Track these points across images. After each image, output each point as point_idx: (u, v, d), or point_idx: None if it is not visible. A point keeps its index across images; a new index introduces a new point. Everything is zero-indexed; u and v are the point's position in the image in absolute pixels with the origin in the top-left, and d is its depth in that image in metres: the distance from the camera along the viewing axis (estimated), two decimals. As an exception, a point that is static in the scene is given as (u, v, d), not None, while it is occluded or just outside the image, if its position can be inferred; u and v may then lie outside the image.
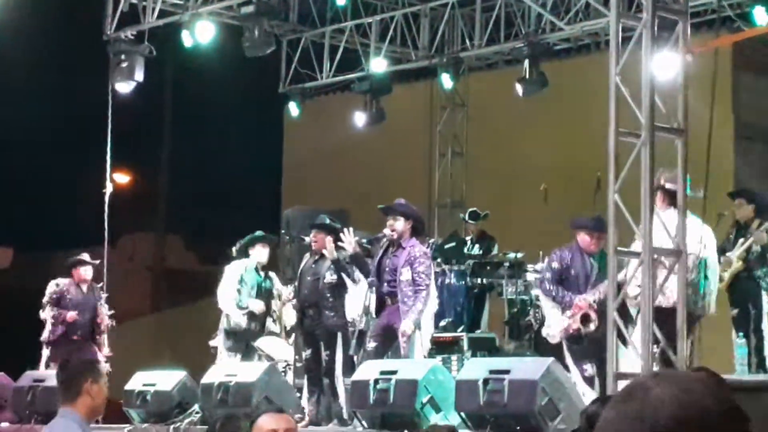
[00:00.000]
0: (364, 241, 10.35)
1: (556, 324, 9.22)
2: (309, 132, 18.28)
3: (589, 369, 8.99)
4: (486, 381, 8.40)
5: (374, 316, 9.84)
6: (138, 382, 10.95)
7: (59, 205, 20.48)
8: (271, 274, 11.85)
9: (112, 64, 13.98)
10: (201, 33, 13.97)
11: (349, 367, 10.02)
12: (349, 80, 16.18)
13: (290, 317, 11.45)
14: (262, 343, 11.41)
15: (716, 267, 9.21)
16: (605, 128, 8.21)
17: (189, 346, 16.27)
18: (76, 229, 14.72)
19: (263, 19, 13.65)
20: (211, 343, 11.82)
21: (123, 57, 13.87)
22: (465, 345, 11.56)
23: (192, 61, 16.60)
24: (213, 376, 10.30)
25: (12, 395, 11.64)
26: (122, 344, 12.93)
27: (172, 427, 10.34)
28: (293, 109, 16.60)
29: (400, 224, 9.73)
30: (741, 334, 10.49)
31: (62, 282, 12.46)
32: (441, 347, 11.41)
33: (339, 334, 10.27)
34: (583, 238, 9.29)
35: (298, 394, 10.51)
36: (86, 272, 12.50)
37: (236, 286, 11.45)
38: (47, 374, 11.64)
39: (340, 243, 10.07)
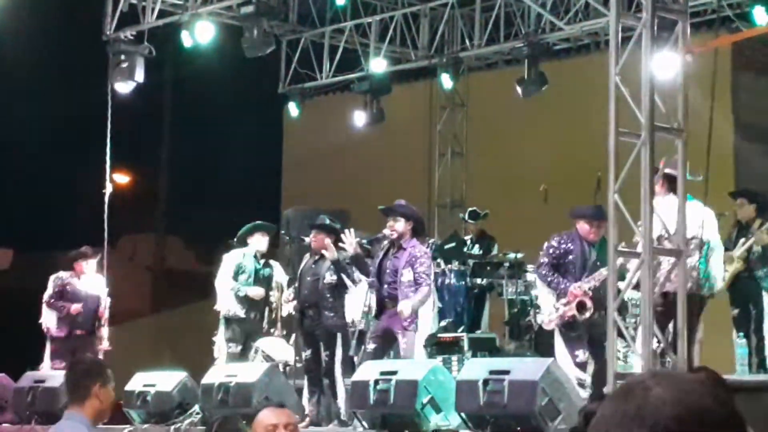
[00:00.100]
0: (364, 241, 10.35)
1: (549, 311, 9.26)
2: (309, 132, 18.28)
3: (581, 355, 9.01)
4: (486, 381, 8.40)
5: (374, 317, 9.84)
6: (138, 382, 10.95)
7: (59, 205, 20.47)
8: (274, 263, 11.84)
9: (111, 64, 13.98)
10: (201, 33, 13.97)
11: (350, 368, 10.02)
12: (348, 80, 16.19)
13: (287, 308, 11.47)
14: (262, 343, 11.40)
15: (720, 248, 9.21)
16: (605, 128, 8.22)
17: (189, 346, 16.26)
18: (76, 230, 14.70)
19: (263, 20, 13.65)
20: (215, 339, 11.82)
21: (123, 57, 13.87)
22: (465, 345, 11.55)
23: (192, 62, 16.60)
24: (213, 376, 10.30)
25: (12, 396, 11.65)
26: (122, 345, 12.94)
27: (172, 427, 10.34)
28: (293, 109, 16.61)
29: (401, 225, 9.73)
30: (741, 334, 10.50)
31: (64, 275, 12.53)
32: (441, 347, 11.41)
33: (339, 335, 10.27)
34: (583, 227, 9.30)
35: (298, 395, 10.51)
36: (88, 265, 12.58)
37: (233, 273, 11.47)
38: (48, 375, 11.65)
39: (340, 244, 10.07)
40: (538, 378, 8.21)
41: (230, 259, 11.57)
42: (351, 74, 16.04)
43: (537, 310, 11.16)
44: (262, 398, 9.61)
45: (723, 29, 13.16)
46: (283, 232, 13.64)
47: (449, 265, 12.53)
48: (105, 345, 12.51)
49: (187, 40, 14.06)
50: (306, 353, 10.44)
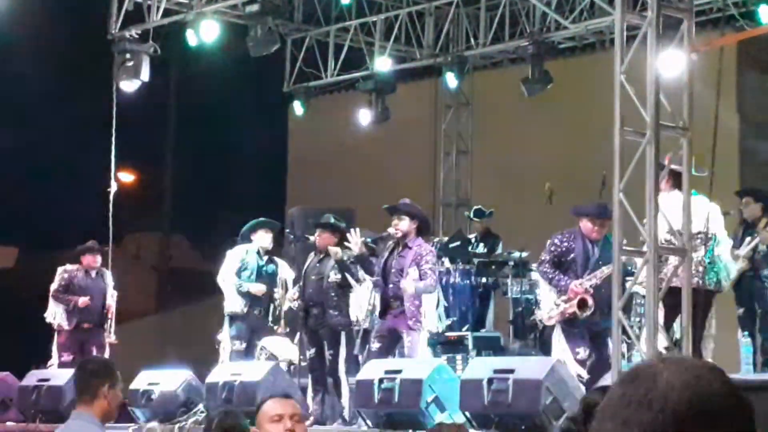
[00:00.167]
0: (369, 240, 10.34)
1: (550, 307, 9.26)
2: (313, 131, 18.27)
3: (582, 352, 9.01)
4: (490, 380, 8.39)
5: (379, 317, 9.84)
6: (143, 381, 10.95)
7: (64, 204, 20.48)
8: (279, 260, 11.82)
9: (116, 63, 13.99)
10: (206, 32, 13.97)
11: (354, 367, 10.02)
12: (353, 79, 16.18)
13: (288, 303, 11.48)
14: (267, 342, 11.41)
15: (727, 242, 9.18)
16: (610, 127, 8.21)
17: (194, 345, 16.27)
18: (81, 228, 14.72)
19: (268, 18, 13.65)
20: (219, 337, 11.82)
21: (128, 56, 13.87)
22: (470, 344, 11.56)
23: (197, 60, 16.61)
24: (218, 375, 10.31)
25: (17, 394, 11.66)
26: (127, 343, 12.95)
27: (176, 426, 10.34)
28: (298, 107, 16.60)
29: (405, 224, 9.73)
30: (746, 333, 10.48)
31: (70, 268, 12.60)
32: (446, 346, 11.41)
33: (343, 334, 10.27)
34: (586, 225, 9.28)
35: (302, 394, 10.50)
36: (94, 259, 12.65)
37: (236, 269, 11.47)
38: (52, 373, 11.67)
39: (346, 243, 10.07)
40: (542, 377, 8.20)
41: (233, 256, 11.58)
42: (356, 73, 16.04)
43: (538, 308, 11.16)
44: (266, 397, 9.62)
45: (728, 28, 13.13)
46: (287, 230, 13.63)
47: (454, 264, 12.52)
48: (112, 338, 12.59)
49: (192, 38, 14.06)
50: (310, 352, 10.44)
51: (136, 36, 14.00)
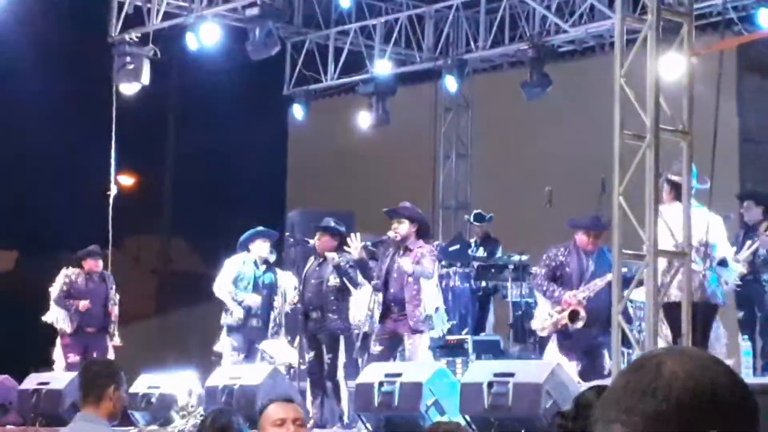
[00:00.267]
0: (369, 244, 10.35)
1: (543, 318, 9.30)
2: (314, 134, 18.27)
3: (575, 365, 9.04)
4: (490, 384, 8.39)
5: (378, 322, 9.85)
6: (143, 384, 10.95)
7: (64, 207, 20.46)
8: (278, 270, 11.80)
9: (116, 65, 14.00)
10: (206, 35, 13.98)
11: (354, 370, 10.02)
12: (353, 82, 16.19)
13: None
14: (266, 345, 11.40)
15: (729, 254, 9.16)
16: (610, 130, 8.20)
17: (194, 348, 16.27)
18: (81, 232, 14.71)
19: (268, 22, 13.66)
20: (215, 348, 11.81)
21: (128, 59, 13.88)
22: (469, 348, 11.56)
23: (197, 64, 16.59)
24: (217, 378, 10.30)
25: (17, 398, 11.65)
26: (127, 346, 12.94)
27: (176, 430, 10.33)
28: (298, 111, 16.61)
29: (405, 227, 9.73)
30: (746, 336, 10.48)
31: (71, 272, 12.58)
32: (445, 350, 11.40)
33: (342, 338, 10.27)
34: (581, 238, 9.32)
35: (301, 398, 10.50)
36: (96, 263, 12.65)
37: (233, 279, 11.46)
38: (52, 377, 11.66)
39: (345, 247, 10.08)
40: (542, 381, 8.19)
41: (230, 265, 11.57)
42: (356, 76, 16.05)
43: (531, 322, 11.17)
44: (266, 401, 9.61)
45: (728, 31, 13.14)
46: (287, 234, 13.64)
47: (453, 268, 12.52)
48: (116, 341, 12.60)
49: (192, 42, 14.07)
50: (309, 355, 10.44)
51: (136, 39, 14.01)
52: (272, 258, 11.83)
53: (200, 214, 23.64)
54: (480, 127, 16.85)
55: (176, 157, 25.07)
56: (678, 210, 8.30)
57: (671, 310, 8.18)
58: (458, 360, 11.28)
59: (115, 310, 12.65)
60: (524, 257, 12.36)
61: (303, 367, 10.76)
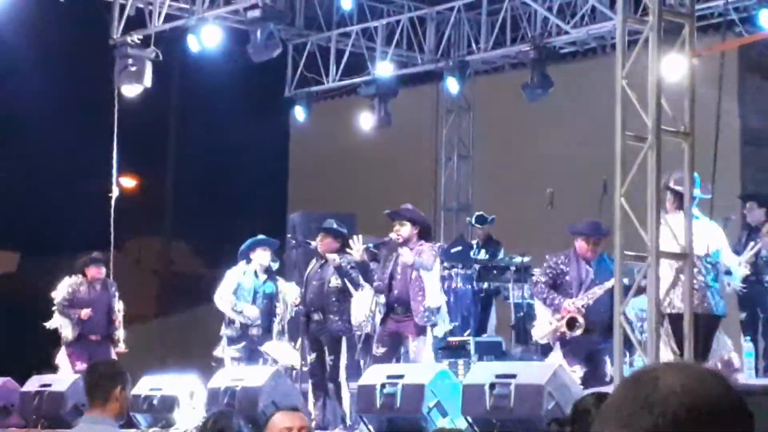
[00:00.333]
0: (370, 245, 10.36)
1: (543, 325, 9.31)
2: (315, 136, 18.28)
3: (577, 370, 9.05)
4: (492, 385, 8.39)
5: (380, 324, 9.86)
6: (145, 386, 10.95)
7: (66, 209, 20.49)
8: (279, 278, 11.80)
9: (118, 68, 14.00)
10: (207, 37, 13.99)
11: (356, 372, 10.02)
12: (355, 84, 16.20)
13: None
14: (268, 347, 11.40)
15: (732, 263, 9.14)
16: (611, 131, 8.20)
17: (196, 350, 16.27)
18: (82, 234, 14.74)
19: (269, 24, 13.66)
20: (215, 353, 11.82)
21: (130, 61, 13.89)
22: (471, 349, 11.56)
23: (198, 66, 16.61)
24: (219, 380, 10.30)
25: (18, 400, 11.65)
26: (129, 348, 12.94)
27: (178, 431, 10.34)
28: (299, 113, 16.62)
29: (407, 229, 9.74)
30: (748, 337, 10.48)
31: (74, 281, 12.56)
32: (447, 351, 11.40)
33: (344, 339, 10.28)
34: (581, 245, 9.34)
35: (303, 399, 10.50)
36: (99, 270, 12.62)
37: (233, 289, 11.47)
38: (54, 379, 11.66)
39: (347, 249, 10.09)
40: (544, 382, 8.19)
41: (231, 276, 11.57)
42: (357, 78, 16.05)
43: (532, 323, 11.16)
44: (268, 402, 9.62)
45: (729, 33, 13.15)
46: (289, 236, 13.64)
47: (455, 269, 12.53)
48: (120, 348, 12.58)
49: (193, 44, 14.08)
50: (311, 357, 10.45)
51: (138, 41, 14.02)
52: (275, 266, 11.82)
53: (201, 216, 23.67)
54: (481, 128, 16.85)
55: (178, 159, 25.09)
56: (682, 219, 8.29)
57: (677, 322, 8.15)
58: (460, 361, 11.28)
59: (119, 317, 12.63)
60: (526, 259, 12.36)
61: (305, 368, 10.77)
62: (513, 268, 12.39)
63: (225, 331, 11.55)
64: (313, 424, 10.08)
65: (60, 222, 21.01)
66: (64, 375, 11.95)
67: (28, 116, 20.48)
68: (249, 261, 11.56)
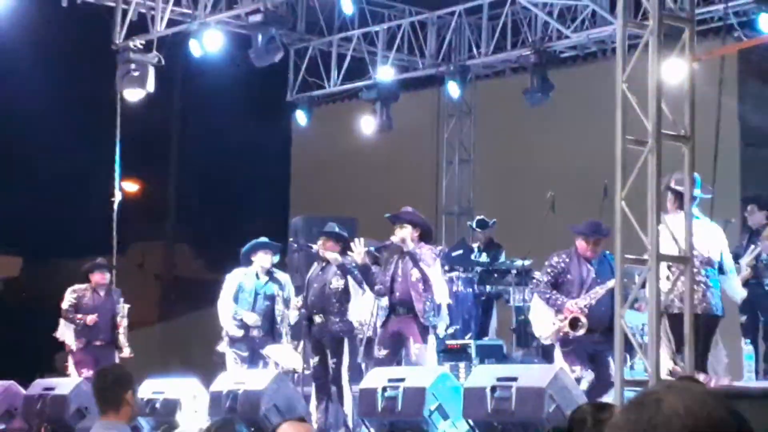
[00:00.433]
0: (372, 249, 10.39)
1: (547, 326, 9.33)
2: (317, 140, 18.32)
3: (578, 370, 9.06)
4: (494, 388, 8.42)
5: (381, 327, 9.89)
6: (147, 390, 10.97)
7: (68, 214, 20.53)
8: (280, 278, 11.79)
9: (120, 72, 14.04)
10: (209, 42, 14.03)
11: (357, 375, 10.05)
12: (356, 88, 16.24)
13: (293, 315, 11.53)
14: (270, 350, 11.43)
15: (731, 264, 9.18)
16: (612, 135, 8.23)
17: (198, 353, 16.30)
18: (85, 238, 14.78)
19: (271, 28, 13.70)
20: (218, 348, 11.86)
21: (132, 66, 13.93)
22: (473, 352, 11.59)
23: (200, 70, 16.66)
24: (222, 384, 10.33)
25: (22, 403, 11.68)
26: (131, 352, 12.97)
27: (181, 435, 10.36)
28: (301, 117, 16.66)
29: (407, 232, 9.77)
30: (748, 341, 10.51)
31: (79, 288, 12.60)
32: (449, 354, 11.43)
33: (345, 341, 10.31)
34: (581, 244, 9.36)
35: (305, 403, 10.53)
36: (103, 276, 12.65)
37: (233, 293, 11.50)
38: (57, 382, 11.68)
39: (349, 252, 10.13)
40: (545, 385, 8.22)
41: (231, 280, 11.60)
42: (359, 82, 16.09)
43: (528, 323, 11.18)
44: (270, 406, 9.65)
45: (729, 37, 13.18)
46: (291, 239, 13.67)
47: (457, 273, 12.56)
48: (126, 353, 12.61)
49: (195, 49, 14.12)
50: (313, 360, 10.48)
51: (140, 46, 14.06)
52: (275, 260, 11.83)
53: (204, 220, 23.71)
54: (482, 132, 16.88)
55: (180, 164, 25.13)
56: (682, 220, 8.32)
57: (675, 322, 8.19)
58: (461, 364, 11.31)
59: (123, 323, 12.66)
60: (527, 262, 12.39)
61: (307, 372, 10.80)
62: (514, 272, 12.42)
63: (225, 333, 11.59)
64: (316, 427, 10.11)
65: (63, 226, 21.05)
66: (67, 379, 11.97)
67: (30, 120, 20.52)
68: (250, 264, 11.60)
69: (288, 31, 15.50)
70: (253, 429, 9.49)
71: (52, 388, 11.39)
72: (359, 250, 9.90)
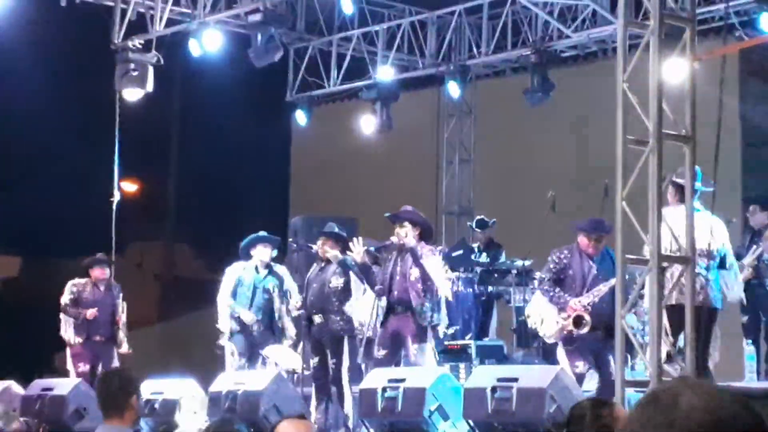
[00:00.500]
0: (372, 249, 10.36)
1: (551, 324, 9.30)
2: (316, 140, 18.30)
3: (580, 366, 9.04)
4: (494, 389, 8.40)
5: (380, 326, 9.86)
6: (146, 390, 10.93)
7: (67, 213, 20.49)
8: (280, 271, 11.77)
9: (119, 72, 14.02)
10: (208, 42, 14.01)
11: (357, 375, 10.02)
12: (356, 88, 16.21)
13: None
14: (269, 351, 11.41)
15: (732, 259, 9.15)
16: (613, 135, 8.21)
17: (197, 354, 16.27)
18: (84, 238, 14.72)
19: (270, 28, 13.68)
20: (219, 342, 11.84)
21: (132, 66, 13.91)
22: (473, 353, 11.56)
23: (199, 70, 16.63)
24: (221, 384, 10.30)
25: (21, 403, 11.65)
26: (130, 352, 12.95)
27: (180, 435, 10.34)
28: (301, 117, 16.64)
29: (408, 231, 9.75)
30: (750, 341, 10.49)
31: (79, 282, 12.62)
32: (449, 355, 11.41)
33: (345, 341, 10.29)
34: (582, 240, 9.35)
35: (305, 403, 10.50)
36: (103, 272, 12.66)
37: (232, 287, 11.48)
38: (56, 383, 11.66)
39: (348, 252, 10.10)
40: (546, 385, 8.19)
41: (230, 273, 11.59)
42: (358, 82, 16.07)
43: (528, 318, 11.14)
44: (269, 406, 9.62)
45: (730, 36, 13.16)
46: (291, 239, 13.65)
47: (457, 273, 12.53)
48: (124, 348, 12.63)
49: (195, 48, 14.09)
50: (313, 361, 10.46)
51: (139, 46, 14.03)
52: (274, 254, 11.83)
53: (203, 220, 23.67)
54: (483, 132, 16.86)
55: (179, 163, 25.11)
56: (682, 213, 8.31)
57: (672, 313, 8.20)
58: (462, 365, 11.28)
59: (122, 318, 12.68)
60: (527, 262, 12.36)
61: (307, 372, 10.77)
62: (514, 272, 12.39)
63: (224, 328, 11.58)
64: (315, 427, 10.09)
65: (62, 226, 21.01)
66: (66, 379, 11.95)
67: (29, 120, 20.48)
68: (249, 258, 11.59)
69: (287, 31, 15.48)
70: (252, 430, 9.45)
71: (51, 389, 11.37)
72: (358, 250, 9.88)
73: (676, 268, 8.25)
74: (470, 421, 8.56)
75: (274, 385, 9.91)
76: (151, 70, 13.95)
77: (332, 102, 17.75)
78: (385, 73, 15.65)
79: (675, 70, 8.78)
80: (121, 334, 12.64)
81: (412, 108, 16.74)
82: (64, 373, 12.59)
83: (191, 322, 22.25)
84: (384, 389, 8.94)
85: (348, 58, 15.94)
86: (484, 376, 8.84)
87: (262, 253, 11.56)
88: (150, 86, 13.94)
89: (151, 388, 10.94)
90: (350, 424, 10.11)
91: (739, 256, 10.12)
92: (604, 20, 13.74)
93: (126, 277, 13.84)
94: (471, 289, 12.53)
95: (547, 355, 10.96)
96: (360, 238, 10.13)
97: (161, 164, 24.80)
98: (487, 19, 15.24)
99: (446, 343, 11.51)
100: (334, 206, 16.29)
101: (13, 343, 18.26)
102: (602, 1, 13.59)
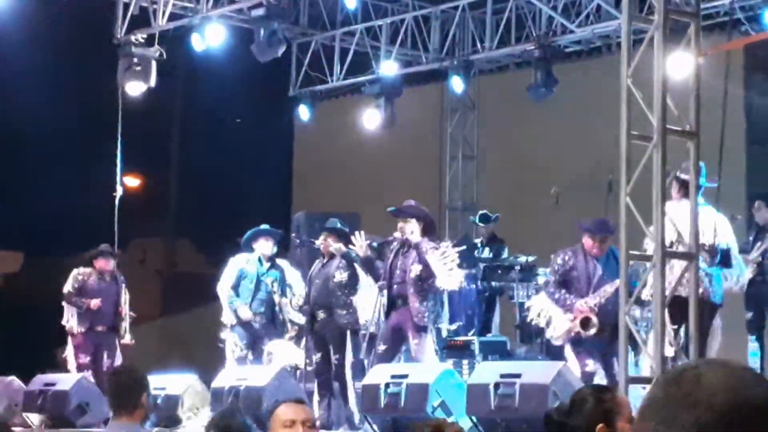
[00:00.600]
0: (374, 244, 10.34)
1: (559, 326, 9.26)
2: (319, 135, 18.26)
3: (590, 364, 9.01)
4: (497, 385, 8.37)
5: (383, 319, 9.84)
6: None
7: (70, 209, 20.48)
8: (283, 264, 11.76)
9: (122, 67, 13.99)
10: (211, 36, 13.97)
11: (360, 371, 10.00)
12: (359, 83, 16.18)
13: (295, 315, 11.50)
14: (272, 346, 11.39)
15: (737, 253, 9.12)
16: (617, 131, 8.18)
17: (199, 349, 16.26)
18: (86, 233, 14.70)
19: (273, 22, 13.65)
20: (221, 335, 11.83)
21: (134, 60, 13.88)
22: (476, 349, 11.54)
23: (202, 65, 16.59)
24: (223, 380, 10.29)
25: (23, 399, 11.64)
26: (132, 348, 12.94)
27: (183, 431, 10.32)
28: (304, 112, 16.60)
29: (411, 226, 9.72)
30: (754, 337, 10.46)
31: (84, 271, 12.62)
32: (452, 351, 11.38)
33: (348, 337, 10.26)
34: (587, 241, 9.31)
35: (308, 399, 10.48)
36: (107, 263, 12.66)
37: (234, 279, 11.47)
38: (58, 378, 11.65)
39: (350, 247, 10.08)
40: (549, 381, 8.17)
41: (233, 264, 11.58)
42: (362, 77, 16.03)
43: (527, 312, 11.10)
44: (272, 402, 9.59)
45: (735, 32, 13.11)
46: (293, 235, 13.62)
47: (459, 269, 12.49)
48: (127, 339, 12.62)
49: (197, 43, 14.06)
50: (316, 357, 10.44)
51: (142, 40, 14.00)
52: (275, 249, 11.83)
53: (206, 216, 23.64)
54: (486, 127, 16.83)
55: (181, 159, 25.08)
56: (686, 208, 8.28)
57: (674, 305, 8.18)
58: (465, 361, 11.26)
59: (125, 309, 12.69)
60: (531, 258, 12.34)
61: (309, 368, 10.75)
62: (518, 268, 12.37)
63: (224, 319, 11.57)
64: (318, 423, 10.05)
65: (64, 222, 20.99)
66: (68, 374, 11.94)
67: (30, 116, 20.45)
68: (251, 252, 11.58)
69: (290, 25, 15.44)
70: (255, 425, 9.43)
71: (53, 384, 11.36)
72: (360, 243, 9.85)
73: (676, 262, 8.23)
74: (473, 417, 8.53)
75: (276, 381, 9.89)
76: (154, 64, 13.92)
77: (335, 97, 17.70)
78: (388, 68, 15.61)
79: (679, 65, 8.75)
80: (124, 325, 12.64)
81: (416, 103, 16.71)
82: (66, 369, 12.58)
83: (193, 317, 22.25)
84: (387, 385, 8.93)
85: (351, 52, 15.90)
86: (487, 372, 8.82)
87: (264, 246, 11.55)
88: (153, 81, 13.91)
89: (154, 384, 10.89)
90: (356, 420, 10.08)
91: (743, 253, 10.09)
92: (609, 15, 13.70)
93: (128, 273, 13.81)
94: (474, 285, 12.51)
95: (551, 351, 10.93)
96: (362, 232, 10.10)
97: (163, 159, 24.78)
98: (490, 14, 15.20)
99: (449, 339, 11.49)
100: (337, 201, 16.27)
101: (15, 339, 18.26)
102: (606, -4, 13.56)
